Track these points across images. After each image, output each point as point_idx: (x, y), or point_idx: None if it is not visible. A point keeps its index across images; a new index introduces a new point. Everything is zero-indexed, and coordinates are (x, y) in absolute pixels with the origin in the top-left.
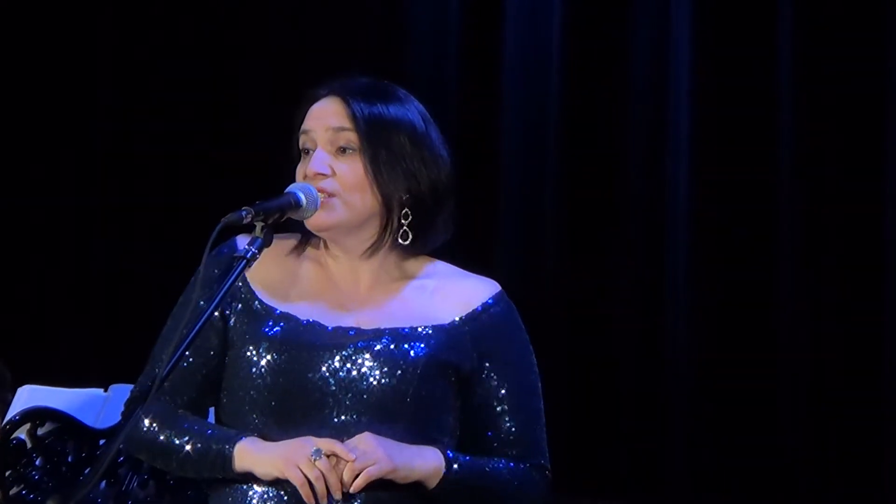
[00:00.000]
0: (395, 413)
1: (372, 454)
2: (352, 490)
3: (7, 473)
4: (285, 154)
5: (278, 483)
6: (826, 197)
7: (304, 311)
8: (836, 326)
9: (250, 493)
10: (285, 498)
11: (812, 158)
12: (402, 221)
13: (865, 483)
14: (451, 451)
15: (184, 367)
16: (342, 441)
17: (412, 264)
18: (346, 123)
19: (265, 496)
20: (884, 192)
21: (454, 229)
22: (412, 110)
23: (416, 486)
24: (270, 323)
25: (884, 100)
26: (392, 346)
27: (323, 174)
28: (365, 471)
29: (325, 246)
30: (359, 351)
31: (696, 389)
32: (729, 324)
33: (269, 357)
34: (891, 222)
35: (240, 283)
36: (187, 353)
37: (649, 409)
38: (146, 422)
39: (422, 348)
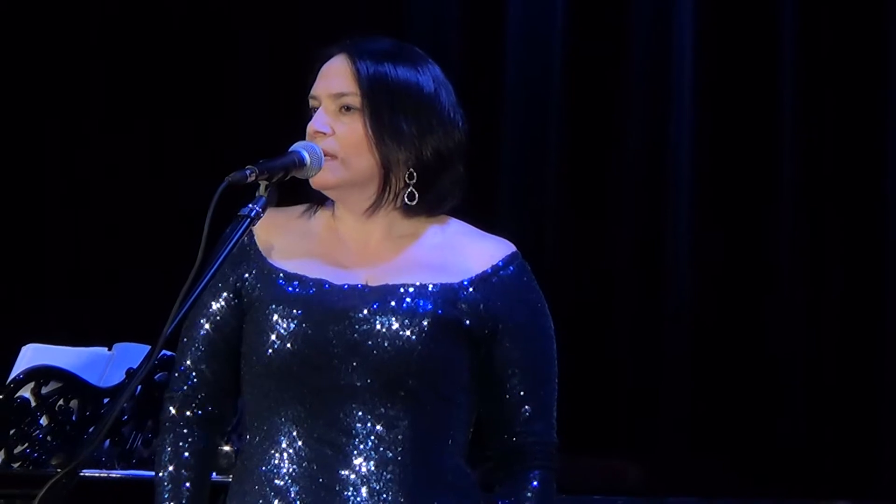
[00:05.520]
0: (403, 369)
1: None
2: None
3: (11, 432)
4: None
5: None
6: (826, 175)
7: (312, 269)
8: (836, 298)
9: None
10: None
11: (813, 137)
12: (408, 182)
13: (860, 467)
14: None
15: (206, 344)
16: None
17: (424, 222)
18: (351, 84)
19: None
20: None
21: (463, 192)
22: (424, 73)
23: None
24: (282, 283)
25: (885, 88)
26: (399, 303)
27: (323, 133)
28: None
29: (335, 207)
30: (367, 308)
31: (697, 356)
32: (731, 288)
33: (277, 318)
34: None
35: (249, 249)
36: (208, 328)
37: (649, 375)
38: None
39: (429, 305)
